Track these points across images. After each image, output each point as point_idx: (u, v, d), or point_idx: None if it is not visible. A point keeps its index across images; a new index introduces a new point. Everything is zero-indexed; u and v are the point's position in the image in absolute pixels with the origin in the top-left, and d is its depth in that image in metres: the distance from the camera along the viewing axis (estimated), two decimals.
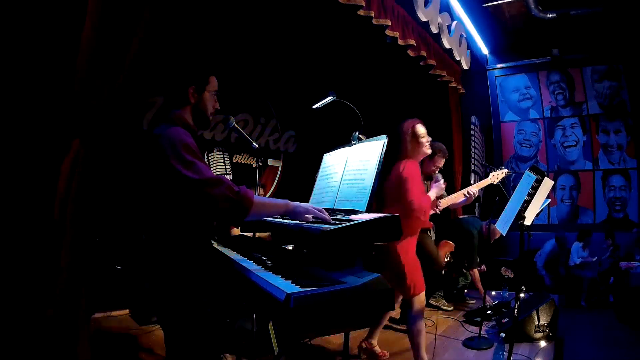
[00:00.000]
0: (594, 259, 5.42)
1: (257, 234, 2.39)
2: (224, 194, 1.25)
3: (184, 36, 3.89)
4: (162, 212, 1.35)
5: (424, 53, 4.04)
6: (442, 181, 2.47)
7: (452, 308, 3.99)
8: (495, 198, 3.52)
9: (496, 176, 3.09)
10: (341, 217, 1.48)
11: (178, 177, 1.24)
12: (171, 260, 1.33)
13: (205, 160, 4.79)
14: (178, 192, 1.28)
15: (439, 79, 4.66)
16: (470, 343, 3.00)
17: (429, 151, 2.42)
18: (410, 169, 2.23)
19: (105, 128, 1.67)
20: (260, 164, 2.26)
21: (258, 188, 2.57)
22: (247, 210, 1.28)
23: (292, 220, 1.50)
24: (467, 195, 2.92)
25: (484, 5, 5.80)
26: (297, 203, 1.43)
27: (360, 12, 3.18)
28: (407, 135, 2.35)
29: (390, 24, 3.42)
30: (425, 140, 2.37)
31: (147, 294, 1.37)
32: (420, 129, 2.37)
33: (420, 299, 2.30)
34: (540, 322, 3.05)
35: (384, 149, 1.72)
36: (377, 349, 2.69)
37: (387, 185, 2.31)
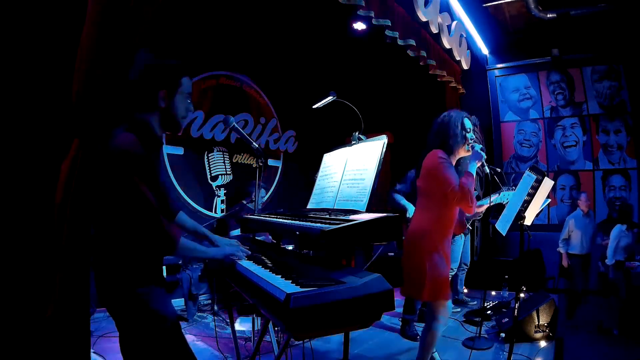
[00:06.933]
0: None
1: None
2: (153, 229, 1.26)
3: (177, 32, 3.85)
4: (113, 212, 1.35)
5: (423, 53, 4.04)
6: (479, 146, 2.09)
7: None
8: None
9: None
10: (341, 217, 1.48)
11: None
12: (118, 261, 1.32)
13: (205, 160, 4.79)
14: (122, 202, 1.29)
15: (438, 79, 4.66)
16: (470, 343, 2.99)
17: (470, 152, 2.11)
18: (436, 154, 2.02)
19: (105, 128, 1.66)
20: (261, 164, 2.26)
21: (260, 189, 2.56)
22: (171, 251, 1.31)
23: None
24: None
25: (484, 5, 5.79)
26: (227, 251, 1.50)
27: (360, 12, 3.18)
28: (458, 123, 2.07)
29: (390, 23, 3.43)
30: (470, 137, 2.11)
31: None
32: (469, 123, 2.12)
33: (446, 307, 2.09)
34: (540, 322, 3.05)
35: (384, 149, 1.72)
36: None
37: (418, 182, 2.14)
